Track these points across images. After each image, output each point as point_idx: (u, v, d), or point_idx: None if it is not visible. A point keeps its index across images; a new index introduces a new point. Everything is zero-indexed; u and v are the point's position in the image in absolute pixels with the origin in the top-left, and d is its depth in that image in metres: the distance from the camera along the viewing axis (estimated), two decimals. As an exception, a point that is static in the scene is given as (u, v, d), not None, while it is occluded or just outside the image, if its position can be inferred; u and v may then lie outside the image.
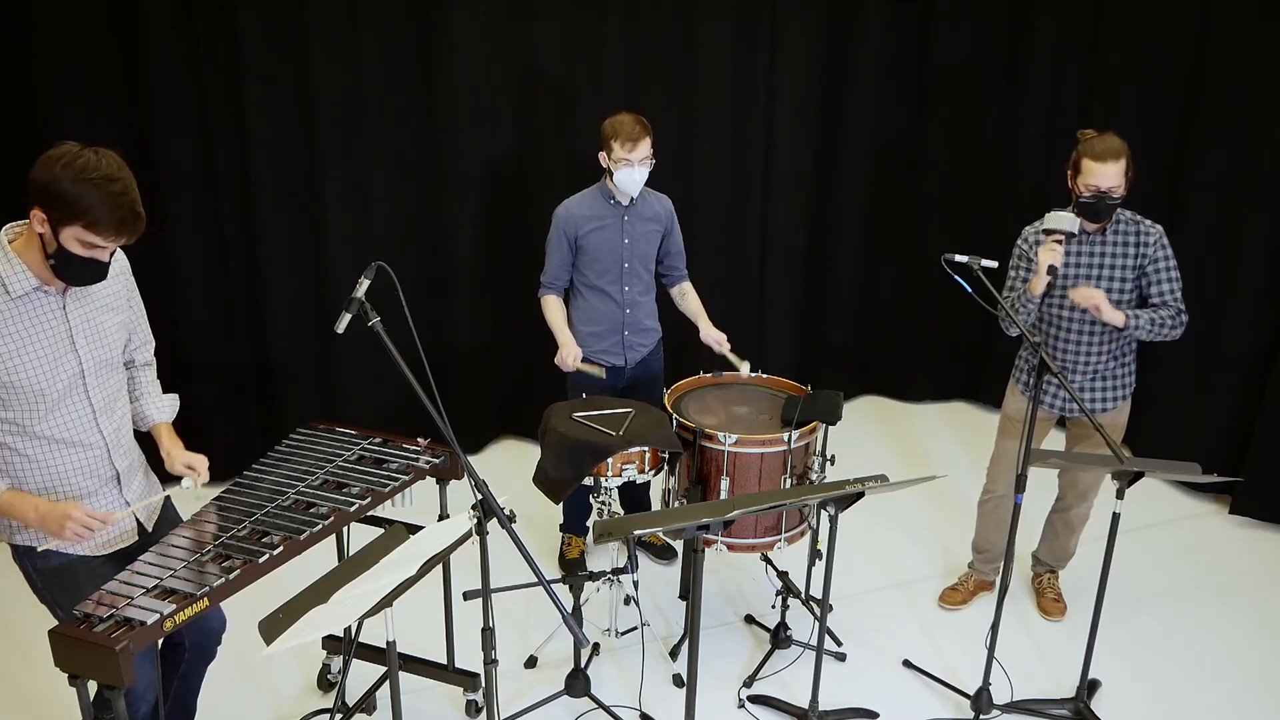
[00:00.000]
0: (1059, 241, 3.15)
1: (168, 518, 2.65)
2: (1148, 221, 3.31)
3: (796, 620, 3.70)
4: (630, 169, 3.47)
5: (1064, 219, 3.12)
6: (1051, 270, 3.14)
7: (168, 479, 2.62)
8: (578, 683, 3.28)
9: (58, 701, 3.29)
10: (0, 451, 2.30)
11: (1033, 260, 3.34)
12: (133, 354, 2.58)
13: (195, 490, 2.52)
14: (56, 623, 2.27)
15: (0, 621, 3.67)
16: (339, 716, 3.19)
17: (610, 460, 3.21)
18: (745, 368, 3.60)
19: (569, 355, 3.57)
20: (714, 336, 3.68)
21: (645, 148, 3.47)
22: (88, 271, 2.22)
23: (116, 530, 2.49)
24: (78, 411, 2.35)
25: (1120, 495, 2.96)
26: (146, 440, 2.62)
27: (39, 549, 2.33)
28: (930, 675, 3.47)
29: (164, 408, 2.64)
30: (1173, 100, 4.58)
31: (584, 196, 3.63)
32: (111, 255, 2.25)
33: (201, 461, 2.53)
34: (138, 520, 2.54)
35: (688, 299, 3.83)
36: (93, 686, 2.21)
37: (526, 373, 4.87)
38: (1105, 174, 3.15)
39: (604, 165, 3.54)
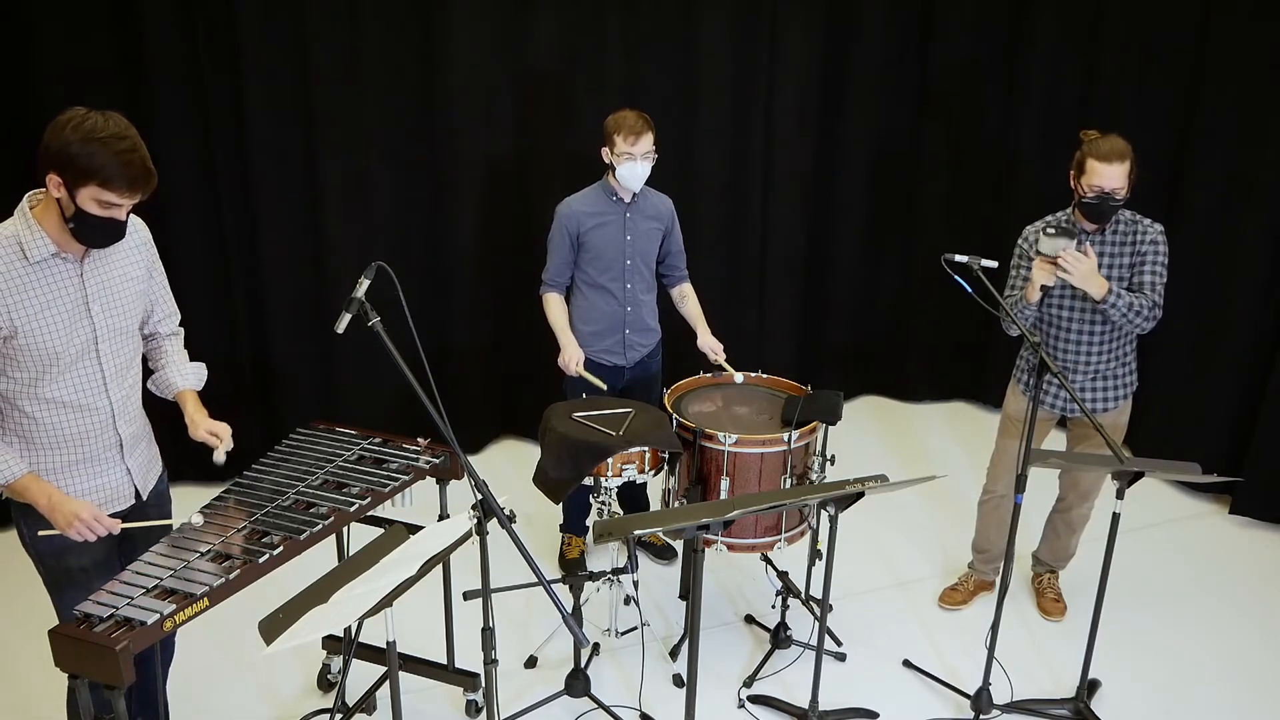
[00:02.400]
0: (1052, 261, 3.15)
1: (160, 494, 2.67)
2: (1147, 220, 3.30)
3: (796, 620, 3.70)
4: (633, 163, 3.47)
5: (1058, 244, 3.11)
6: (1044, 289, 3.14)
7: (175, 458, 2.63)
8: (578, 683, 3.28)
9: (46, 699, 3.29)
10: (11, 412, 2.35)
11: (1033, 261, 3.34)
12: (157, 326, 2.63)
13: (220, 457, 2.52)
14: (46, 596, 2.26)
15: None
16: (339, 716, 3.19)
17: (610, 460, 3.20)
18: (738, 376, 3.60)
19: (571, 360, 3.58)
20: (710, 345, 3.68)
21: (648, 142, 3.48)
22: (106, 232, 2.27)
23: (110, 493, 2.51)
24: (88, 376, 2.39)
25: (1120, 495, 2.96)
26: (154, 412, 2.64)
27: (39, 533, 2.37)
28: (930, 675, 3.47)
29: (189, 375, 2.66)
30: (1173, 100, 4.58)
31: (586, 194, 3.63)
32: (128, 215, 2.31)
33: (225, 429, 2.56)
34: (134, 485, 2.56)
35: (688, 302, 3.83)
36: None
37: (526, 373, 4.87)
38: (1110, 175, 3.15)
39: (606, 161, 3.54)
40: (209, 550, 2.42)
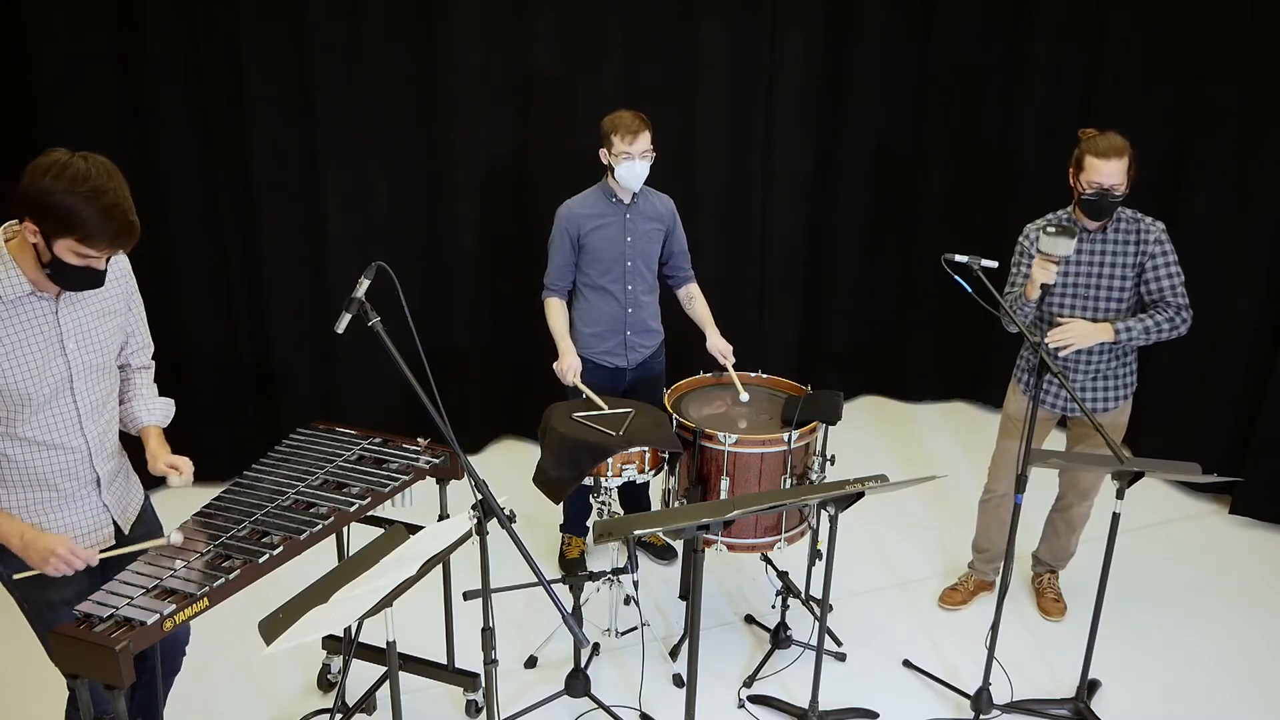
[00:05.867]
0: (1055, 261, 3.16)
1: (145, 520, 2.59)
2: (1148, 219, 3.31)
3: (796, 620, 3.70)
4: (631, 163, 3.47)
5: (1059, 244, 3.10)
6: (1044, 287, 3.15)
7: (153, 481, 2.59)
8: (578, 683, 3.28)
9: (44, 700, 3.29)
10: None
11: (1034, 258, 3.34)
12: (129, 358, 2.54)
13: (184, 484, 2.44)
14: (26, 622, 2.24)
15: None
16: (339, 716, 3.19)
17: (610, 460, 3.20)
18: (744, 395, 3.54)
19: (568, 370, 3.57)
20: (720, 348, 3.65)
21: (645, 141, 3.47)
22: (84, 279, 2.19)
23: (87, 530, 2.42)
24: (63, 414, 2.30)
25: (1120, 495, 2.96)
26: (135, 443, 2.56)
27: (14, 577, 2.27)
28: (930, 675, 3.47)
29: (155, 411, 2.58)
30: (1173, 100, 4.58)
31: (586, 196, 3.63)
32: (108, 262, 2.21)
33: (186, 463, 2.47)
34: (114, 522, 2.48)
35: (695, 303, 3.81)
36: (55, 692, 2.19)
37: (526, 373, 4.87)
38: (1108, 171, 3.16)
39: (605, 162, 3.54)
40: (209, 550, 2.42)
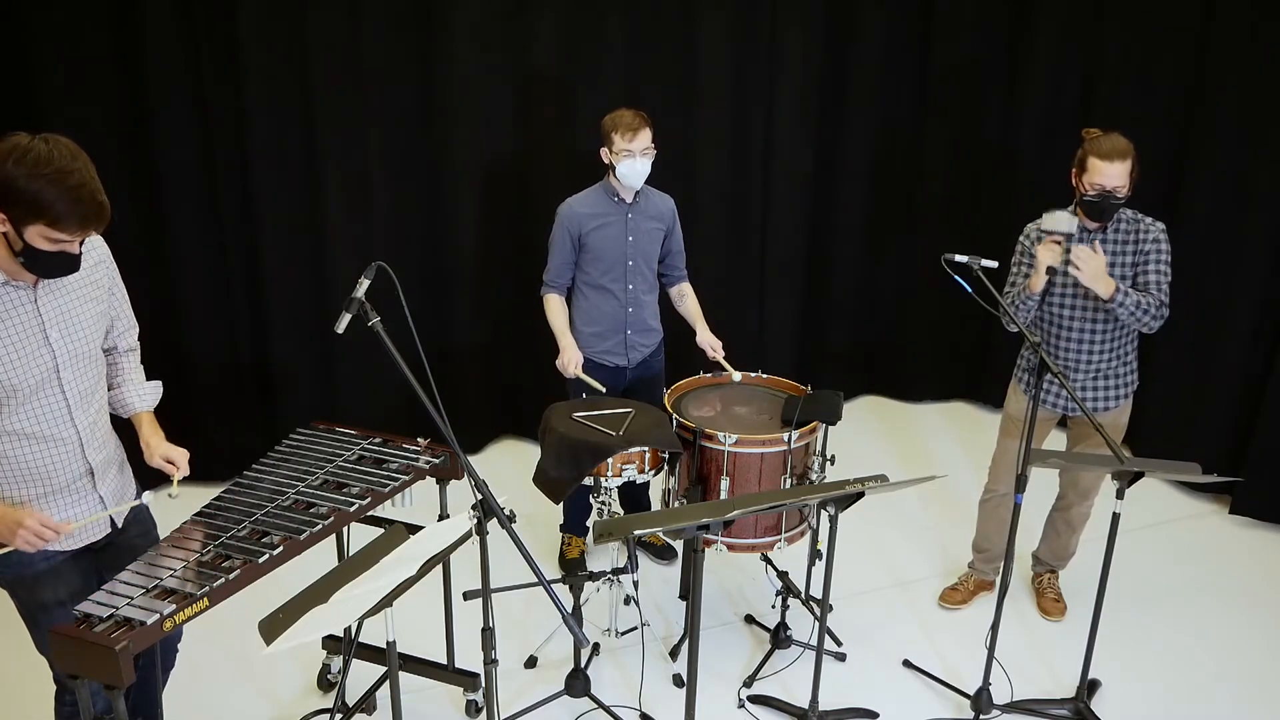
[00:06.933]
0: (1058, 242, 3.16)
1: (140, 521, 2.58)
2: (1149, 219, 3.31)
3: (796, 620, 3.70)
4: (632, 160, 3.47)
5: (1061, 219, 3.12)
6: (1050, 270, 3.15)
7: (148, 475, 2.58)
8: (578, 683, 3.28)
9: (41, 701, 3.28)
10: None
11: (1034, 256, 3.34)
12: (116, 340, 2.52)
13: (174, 490, 2.41)
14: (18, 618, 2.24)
15: None
16: (339, 716, 3.19)
17: (610, 460, 3.21)
18: (736, 375, 3.60)
19: (570, 362, 3.58)
20: (709, 342, 3.69)
21: (646, 138, 3.48)
22: (59, 265, 2.16)
23: (84, 525, 2.40)
24: (51, 405, 2.27)
25: (1120, 495, 2.96)
26: (126, 433, 2.57)
27: None
28: (930, 675, 3.47)
29: (145, 395, 2.56)
30: (1173, 100, 4.58)
31: (588, 194, 3.63)
32: (81, 244, 2.18)
33: (181, 455, 2.45)
34: (110, 519, 2.47)
35: (686, 301, 3.83)
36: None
37: (526, 373, 4.87)
38: (1111, 173, 3.16)
39: (606, 161, 3.54)
40: (209, 550, 2.42)
